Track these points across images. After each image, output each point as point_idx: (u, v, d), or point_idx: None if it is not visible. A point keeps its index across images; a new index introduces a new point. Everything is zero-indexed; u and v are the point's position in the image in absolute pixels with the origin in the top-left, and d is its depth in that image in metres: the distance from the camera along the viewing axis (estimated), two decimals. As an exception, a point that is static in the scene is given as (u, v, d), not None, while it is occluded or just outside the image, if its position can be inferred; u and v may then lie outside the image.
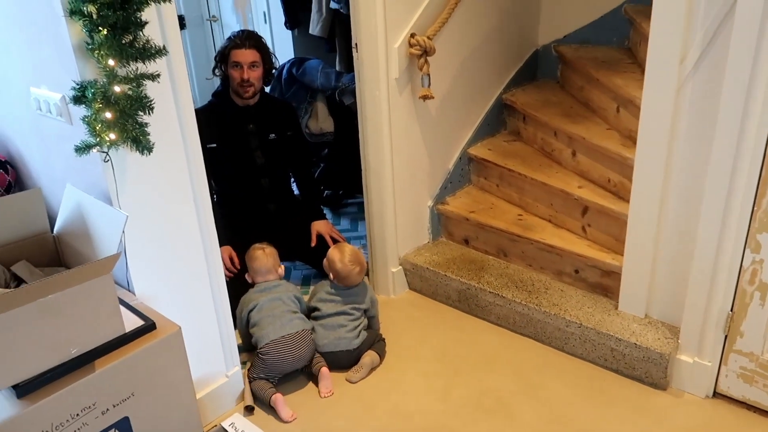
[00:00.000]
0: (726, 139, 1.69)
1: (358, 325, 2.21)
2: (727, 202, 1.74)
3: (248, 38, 2.42)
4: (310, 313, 2.26)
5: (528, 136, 2.83)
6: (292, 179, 2.80)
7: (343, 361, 2.17)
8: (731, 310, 1.87)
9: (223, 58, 2.45)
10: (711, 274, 1.85)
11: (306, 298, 2.33)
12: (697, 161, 1.81)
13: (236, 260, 2.37)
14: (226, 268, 2.25)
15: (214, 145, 2.43)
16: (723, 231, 1.78)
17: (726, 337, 1.91)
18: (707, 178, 1.76)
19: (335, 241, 2.55)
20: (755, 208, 1.72)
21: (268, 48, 2.51)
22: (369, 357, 2.18)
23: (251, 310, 2.13)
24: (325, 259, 2.30)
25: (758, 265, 1.78)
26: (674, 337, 2.02)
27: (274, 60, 2.57)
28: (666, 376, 2.01)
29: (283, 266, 2.29)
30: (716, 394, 1.99)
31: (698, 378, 1.98)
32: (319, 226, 2.60)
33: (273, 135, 2.57)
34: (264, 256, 2.22)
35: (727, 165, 1.71)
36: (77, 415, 1.34)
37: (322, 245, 2.54)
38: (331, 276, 2.26)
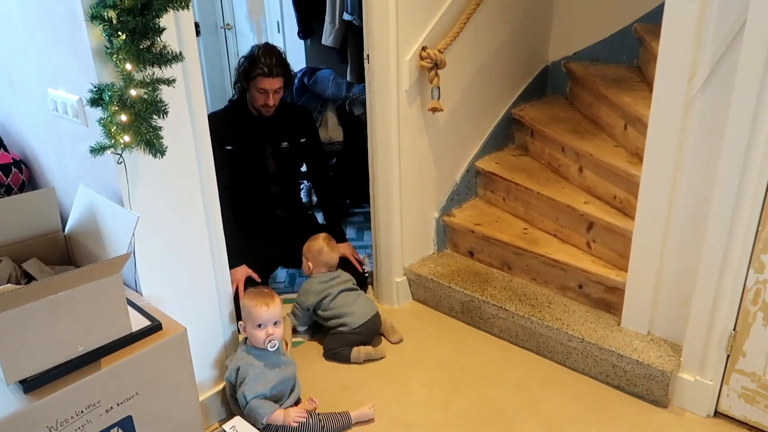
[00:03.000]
0: (732, 158, 1.70)
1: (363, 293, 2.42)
2: (732, 222, 1.75)
3: (276, 65, 2.37)
4: (315, 311, 2.34)
5: (535, 150, 2.84)
6: (302, 185, 2.83)
7: (377, 326, 2.38)
8: (734, 330, 1.87)
9: (247, 78, 2.41)
10: (714, 293, 1.85)
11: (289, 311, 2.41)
12: (704, 180, 1.82)
13: (256, 277, 2.40)
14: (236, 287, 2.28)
15: (230, 147, 2.46)
16: (727, 250, 1.79)
17: (728, 356, 1.91)
18: (713, 197, 1.77)
19: (359, 263, 2.64)
20: (760, 229, 1.73)
21: (292, 71, 2.51)
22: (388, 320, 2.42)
23: None
24: (305, 261, 2.41)
25: (762, 285, 1.78)
26: (676, 355, 2.02)
27: (297, 79, 2.59)
28: (667, 394, 2.01)
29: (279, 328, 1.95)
30: (717, 414, 1.99)
31: (699, 397, 1.98)
32: (342, 249, 2.61)
33: (286, 143, 2.59)
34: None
35: (733, 185, 1.72)
36: (82, 412, 1.36)
37: (342, 267, 2.55)
38: (312, 268, 2.39)
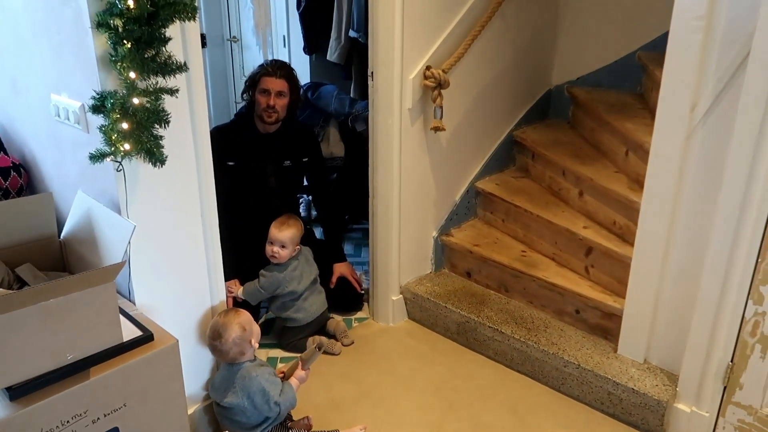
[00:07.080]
0: (733, 188, 1.69)
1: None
2: (732, 252, 1.74)
3: (280, 68, 2.47)
4: (279, 299, 2.39)
5: (536, 173, 2.84)
6: (301, 200, 2.82)
7: (324, 320, 2.49)
8: (731, 361, 1.85)
9: (253, 83, 2.49)
10: (712, 323, 1.83)
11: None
12: (704, 209, 1.82)
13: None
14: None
15: (232, 163, 2.47)
16: (726, 281, 1.77)
17: (725, 388, 1.89)
18: (713, 226, 1.77)
19: (358, 282, 2.63)
20: (759, 260, 1.72)
21: (297, 80, 2.55)
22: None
23: None
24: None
25: (760, 317, 1.77)
26: (672, 385, 2.00)
27: (301, 93, 2.61)
28: (662, 424, 1.99)
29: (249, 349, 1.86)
30: (713, 446, 1.96)
31: (695, 428, 1.95)
32: (341, 269, 2.61)
33: (288, 162, 2.60)
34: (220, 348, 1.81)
35: (733, 214, 1.71)
36: (68, 422, 1.34)
37: (340, 285, 2.55)
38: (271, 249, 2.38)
